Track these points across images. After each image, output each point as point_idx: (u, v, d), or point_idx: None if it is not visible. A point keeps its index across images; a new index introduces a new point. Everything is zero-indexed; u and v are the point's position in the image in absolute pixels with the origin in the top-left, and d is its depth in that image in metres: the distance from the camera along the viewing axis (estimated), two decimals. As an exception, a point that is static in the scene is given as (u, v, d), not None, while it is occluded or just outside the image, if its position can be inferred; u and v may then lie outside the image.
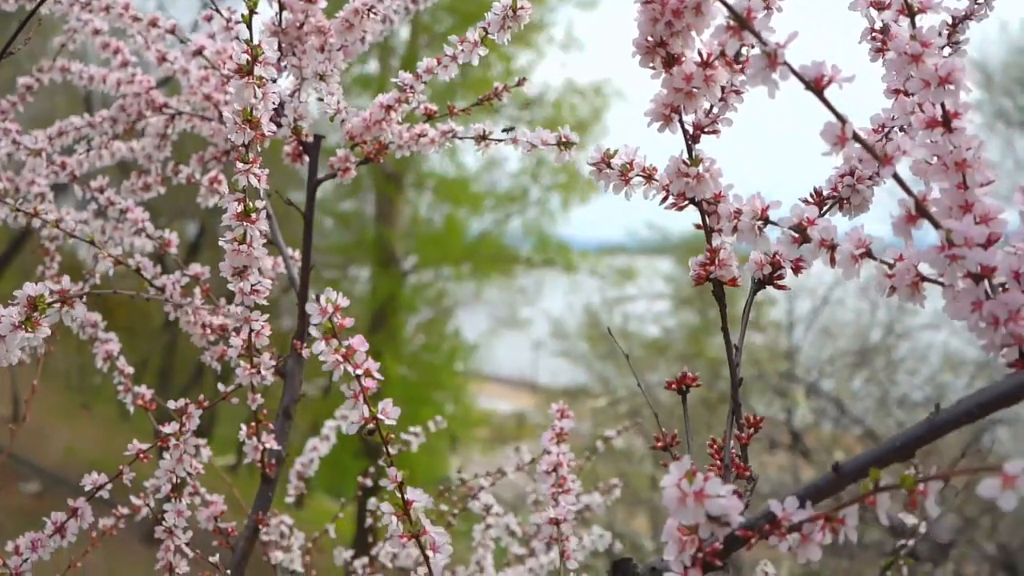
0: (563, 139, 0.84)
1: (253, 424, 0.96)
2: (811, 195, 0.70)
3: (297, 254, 1.12)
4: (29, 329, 0.68)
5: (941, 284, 0.54)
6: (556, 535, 0.93)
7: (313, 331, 0.61)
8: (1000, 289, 0.52)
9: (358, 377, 0.62)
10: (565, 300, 11.33)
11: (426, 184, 14.01)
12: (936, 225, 0.51)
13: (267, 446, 0.97)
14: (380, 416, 0.63)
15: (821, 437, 7.09)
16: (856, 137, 0.51)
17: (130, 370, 1.10)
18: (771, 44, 0.50)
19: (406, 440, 1.49)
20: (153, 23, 1.11)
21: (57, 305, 0.67)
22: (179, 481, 0.91)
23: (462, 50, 0.90)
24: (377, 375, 0.63)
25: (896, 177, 0.51)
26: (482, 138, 0.96)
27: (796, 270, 0.68)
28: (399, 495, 0.65)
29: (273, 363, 0.90)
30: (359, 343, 0.63)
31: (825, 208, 0.70)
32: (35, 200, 1.28)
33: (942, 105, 0.54)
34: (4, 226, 1.39)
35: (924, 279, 0.55)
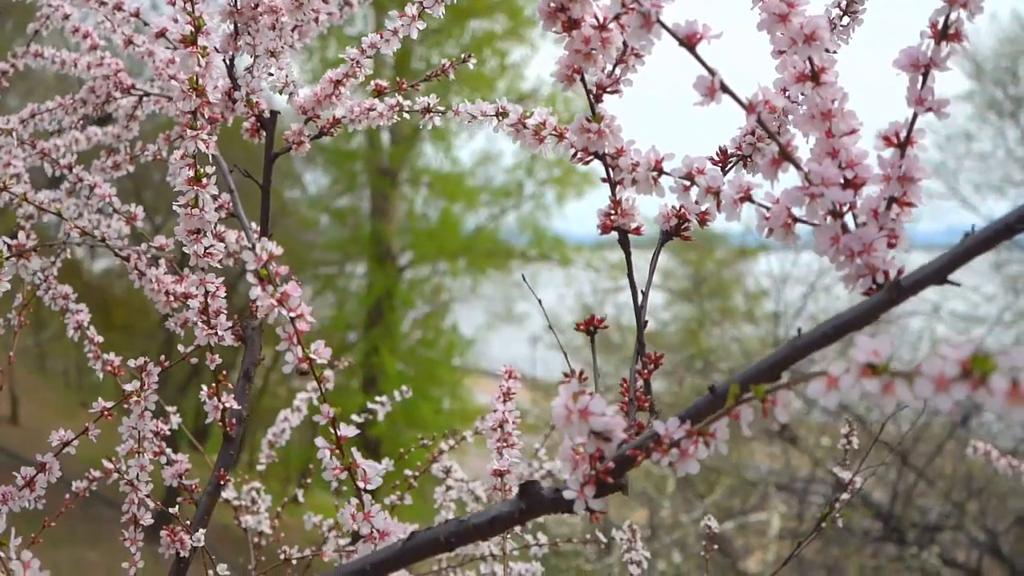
0: (500, 110, 0.89)
1: (214, 384, 1.01)
2: (716, 153, 0.75)
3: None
4: (-11, 283, 0.73)
5: (811, 224, 0.59)
6: (500, 486, 0.99)
7: (249, 277, 0.67)
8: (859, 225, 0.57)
9: (292, 320, 0.68)
10: (557, 293, 11.38)
11: (421, 180, 14.04)
12: (798, 167, 0.57)
13: (227, 406, 1.02)
14: (313, 356, 0.68)
15: (811, 427, 7.17)
16: (723, 88, 0.56)
17: (99, 339, 1.15)
18: (646, 5, 0.55)
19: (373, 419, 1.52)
20: (118, 7, 1.16)
21: (14, 259, 0.72)
22: (141, 437, 0.97)
23: (402, 24, 0.95)
24: (310, 318, 0.68)
25: (761, 123, 0.57)
26: (427, 111, 1.02)
27: (702, 222, 0.74)
28: (332, 431, 0.70)
29: (229, 324, 0.95)
30: (293, 289, 0.68)
31: (730, 165, 0.75)
32: (10, 180, 1.33)
33: (809, 60, 0.59)
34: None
35: (796, 220, 0.60)
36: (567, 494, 0.60)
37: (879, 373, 0.42)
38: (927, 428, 6.46)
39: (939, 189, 9.81)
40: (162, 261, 1.10)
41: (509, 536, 1.25)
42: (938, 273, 0.52)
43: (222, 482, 1.05)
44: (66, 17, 1.26)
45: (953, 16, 0.57)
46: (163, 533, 1.00)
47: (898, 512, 5.92)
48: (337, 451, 0.70)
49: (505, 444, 0.99)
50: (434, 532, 0.64)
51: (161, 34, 1.10)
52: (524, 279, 0.93)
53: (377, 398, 1.49)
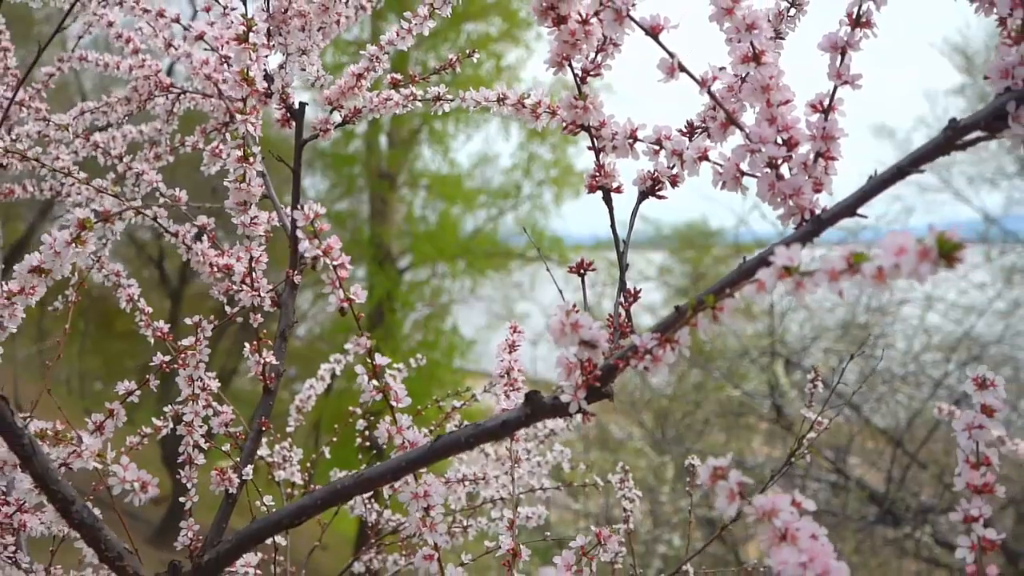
0: (501, 95, 1.04)
1: (255, 342, 1.16)
2: (685, 125, 0.90)
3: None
4: (79, 245, 0.88)
5: (753, 175, 0.74)
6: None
7: (299, 232, 0.81)
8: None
9: (335, 267, 0.82)
10: (555, 293, 11.47)
11: (419, 183, 14.17)
12: (741, 129, 0.71)
13: (267, 361, 1.17)
14: (352, 296, 0.83)
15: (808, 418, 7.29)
16: (681, 67, 0.71)
17: (149, 309, 1.30)
18: (619, 2, 0.70)
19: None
20: (160, 14, 1.30)
21: (102, 223, 0.87)
22: (196, 385, 1.12)
23: (415, 24, 1.10)
24: (348, 266, 0.83)
25: (711, 95, 0.71)
26: (437, 99, 1.16)
27: (673, 183, 0.88)
28: (369, 360, 0.85)
29: (271, 287, 1.10)
30: (335, 242, 0.83)
31: (696, 135, 0.89)
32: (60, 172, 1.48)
33: (751, 44, 0.74)
34: (32, 199, 1.59)
35: (742, 172, 0.75)
36: (563, 398, 0.74)
37: (792, 273, 0.57)
38: (919, 414, 6.61)
39: (933, 182, 9.98)
40: (205, 237, 1.25)
41: (517, 481, 1.39)
42: (849, 208, 0.67)
43: (263, 428, 1.19)
44: (110, 24, 1.40)
45: (864, 7, 0.72)
46: (213, 473, 1.15)
47: (893, 495, 6.06)
48: (373, 376, 0.84)
49: (511, 388, 1.14)
50: (455, 435, 0.78)
51: (200, 37, 1.26)
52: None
53: (392, 366, 1.63)
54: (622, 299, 0.83)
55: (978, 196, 10.23)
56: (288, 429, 1.60)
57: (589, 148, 0.84)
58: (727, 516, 0.61)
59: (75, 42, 1.52)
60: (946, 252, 0.47)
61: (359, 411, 1.52)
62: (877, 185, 0.66)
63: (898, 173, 0.66)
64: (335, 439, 1.64)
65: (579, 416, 0.76)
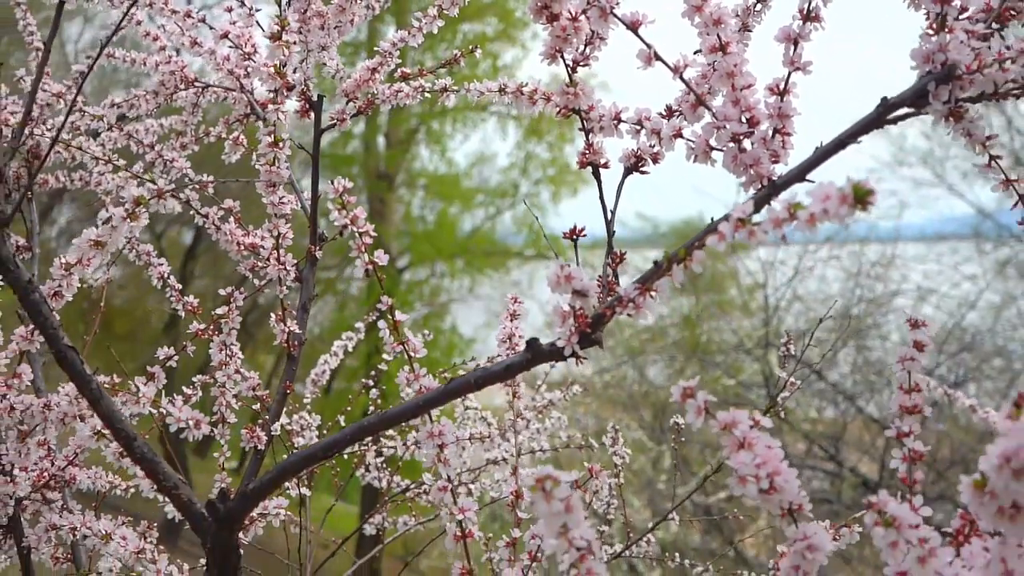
0: (502, 86, 1.16)
1: (280, 312, 1.28)
2: (665, 109, 1.02)
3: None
4: (133, 220, 1.00)
5: (720, 149, 0.86)
6: (509, 383, 1.25)
7: (330, 204, 0.93)
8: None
9: (361, 234, 0.95)
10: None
11: (417, 183, 14.26)
12: (708, 109, 0.84)
13: (291, 330, 1.29)
14: (376, 260, 0.95)
15: (801, 403, 7.45)
16: (657, 56, 0.83)
17: (179, 286, 1.41)
18: (603, 1, 0.82)
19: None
20: (188, 15, 1.42)
21: (155, 200, 0.99)
22: (229, 349, 1.24)
23: (425, 23, 1.22)
24: (373, 233, 0.95)
25: (683, 80, 0.84)
26: (444, 90, 1.28)
27: (654, 160, 1.00)
28: (391, 316, 0.97)
29: (295, 261, 1.22)
30: (361, 213, 0.95)
31: (673, 117, 1.01)
32: (92, 163, 1.60)
33: (718, 36, 0.86)
34: (64, 189, 1.71)
35: (711, 147, 0.87)
36: (559, 343, 0.86)
37: (745, 224, 0.69)
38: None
39: (927, 177, 10.10)
40: (231, 218, 1.37)
41: (520, 445, 1.51)
42: (798, 175, 0.79)
43: (288, 391, 1.31)
44: (139, 23, 1.52)
45: (813, 4, 0.84)
46: (243, 431, 1.27)
47: (886, 483, 6.20)
48: (394, 328, 0.97)
49: (513, 352, 1.26)
50: (466, 377, 0.90)
51: (224, 35, 1.38)
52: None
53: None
54: (609, 260, 0.95)
55: (972, 190, 10.35)
56: (304, 401, 1.73)
57: (580, 129, 0.96)
58: (695, 427, 0.73)
59: (105, 41, 1.63)
60: (860, 197, 0.59)
61: (371, 382, 1.64)
62: (821, 155, 0.78)
63: (839, 144, 0.78)
64: (349, 408, 1.76)
65: (572, 360, 0.88)
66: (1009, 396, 6.70)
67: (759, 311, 9.50)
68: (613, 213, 0.98)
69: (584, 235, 0.99)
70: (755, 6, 1.03)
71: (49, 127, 1.58)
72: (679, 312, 11.13)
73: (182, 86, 1.53)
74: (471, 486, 1.61)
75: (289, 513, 1.65)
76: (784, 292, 7.83)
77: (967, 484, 0.60)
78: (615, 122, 0.93)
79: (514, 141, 13.61)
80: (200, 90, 1.53)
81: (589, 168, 0.98)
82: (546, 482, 0.66)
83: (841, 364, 7.27)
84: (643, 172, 1.01)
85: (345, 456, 1.75)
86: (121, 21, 1.14)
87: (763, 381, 6.61)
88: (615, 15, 0.83)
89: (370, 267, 0.95)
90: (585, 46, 0.93)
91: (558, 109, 0.96)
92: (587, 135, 0.96)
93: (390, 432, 1.71)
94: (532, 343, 0.89)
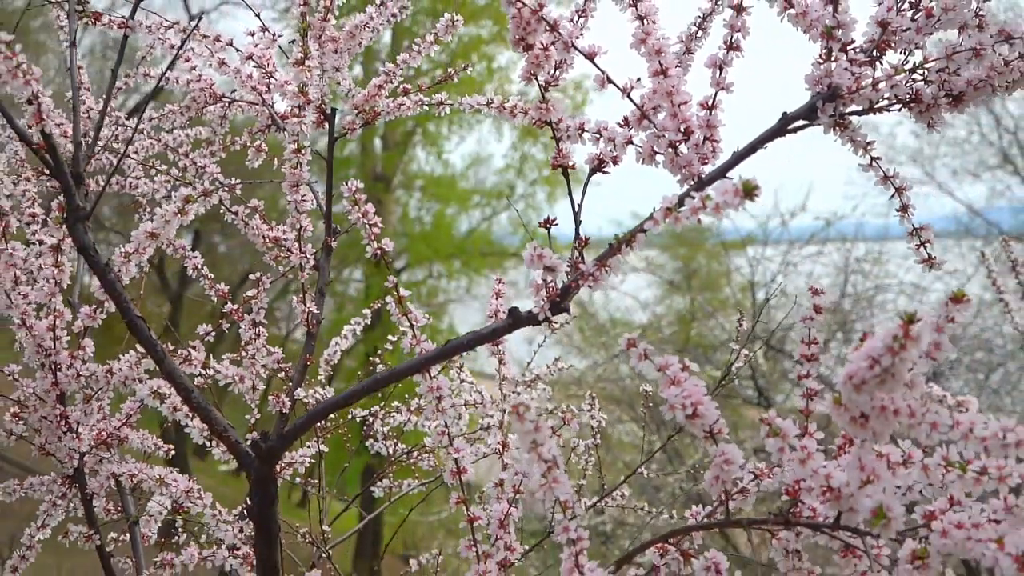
0: (490, 100, 1.37)
1: (301, 294, 1.49)
2: (622, 119, 1.23)
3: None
4: (182, 215, 1.21)
5: (661, 153, 1.08)
6: (496, 352, 1.47)
7: (345, 201, 1.14)
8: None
9: (371, 226, 1.16)
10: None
11: (414, 184, 14.45)
12: (649, 120, 1.05)
13: (311, 310, 1.50)
14: (383, 246, 1.16)
15: (790, 395, 7.68)
16: (609, 80, 1.04)
17: (211, 276, 1.62)
18: (565, 36, 1.03)
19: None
20: (217, 39, 1.64)
21: (202, 197, 1.20)
22: (258, 327, 1.45)
23: (424, 47, 1.44)
24: (380, 224, 1.16)
25: (630, 99, 1.05)
26: (440, 103, 1.50)
27: (614, 162, 1.22)
28: (396, 293, 1.18)
29: (314, 250, 1.43)
30: (371, 208, 1.16)
31: (627, 128, 1.23)
32: (129, 170, 1.81)
33: (659, 63, 1.07)
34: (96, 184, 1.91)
35: (655, 152, 1.08)
36: (535, 310, 1.07)
37: (672, 212, 0.90)
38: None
39: (917, 175, 10.34)
40: (257, 215, 1.58)
41: (507, 406, 1.71)
42: (719, 174, 1.01)
43: (308, 363, 1.53)
44: (172, 47, 1.73)
45: (735, 37, 1.05)
46: (270, 398, 1.48)
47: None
48: (399, 303, 1.18)
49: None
50: (459, 339, 1.12)
51: (248, 57, 1.59)
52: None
53: (390, 337, 1.98)
54: (576, 244, 1.16)
55: (961, 188, 10.58)
56: (319, 377, 1.94)
57: (551, 137, 1.17)
58: (649, 376, 0.93)
59: (139, 61, 1.85)
60: (748, 191, 0.81)
61: (378, 359, 1.85)
62: (735, 159, 1.00)
63: (751, 149, 0.99)
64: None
65: (546, 325, 1.09)
66: (985, 387, 6.93)
67: (749, 309, 9.72)
68: (580, 205, 1.20)
69: (557, 224, 1.21)
70: (696, 33, 1.24)
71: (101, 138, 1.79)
72: (674, 311, 11.34)
73: (211, 101, 1.74)
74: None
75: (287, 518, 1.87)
76: (772, 288, 8.06)
77: (830, 401, 0.81)
78: (579, 132, 1.14)
79: (510, 142, 13.81)
80: (227, 104, 1.74)
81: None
82: (520, 407, 0.87)
83: (830, 359, 7.50)
84: (604, 172, 1.22)
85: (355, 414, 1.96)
86: (173, 60, 1.35)
87: (750, 373, 6.83)
88: (576, 47, 1.04)
89: (378, 252, 1.16)
90: (556, 69, 1.15)
91: (533, 120, 1.17)
92: (557, 143, 1.17)
93: (395, 404, 1.92)
94: (513, 311, 1.11)
